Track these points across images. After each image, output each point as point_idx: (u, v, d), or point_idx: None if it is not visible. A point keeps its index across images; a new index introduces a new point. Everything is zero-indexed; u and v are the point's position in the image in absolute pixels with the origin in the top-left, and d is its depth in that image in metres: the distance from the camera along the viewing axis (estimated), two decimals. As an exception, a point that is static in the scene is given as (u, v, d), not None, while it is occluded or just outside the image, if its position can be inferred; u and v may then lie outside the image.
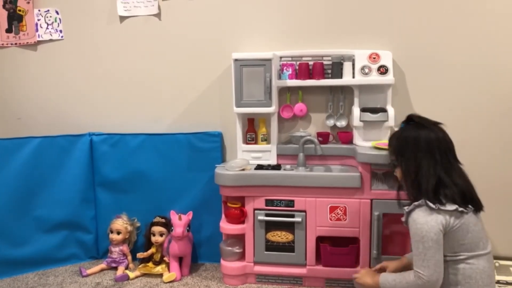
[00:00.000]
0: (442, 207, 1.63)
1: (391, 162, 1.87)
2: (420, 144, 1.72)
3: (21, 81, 2.98)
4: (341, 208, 2.32)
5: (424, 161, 1.71)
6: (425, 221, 1.62)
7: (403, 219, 1.76)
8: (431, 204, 1.63)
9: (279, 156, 2.60)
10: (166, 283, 2.50)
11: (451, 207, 1.63)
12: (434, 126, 1.78)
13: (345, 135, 2.59)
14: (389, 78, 2.47)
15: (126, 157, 2.78)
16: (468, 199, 1.69)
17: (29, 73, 2.97)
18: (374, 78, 2.48)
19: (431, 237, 1.60)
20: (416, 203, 1.68)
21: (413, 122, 1.81)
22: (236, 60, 2.46)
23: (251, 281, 2.47)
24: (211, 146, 2.72)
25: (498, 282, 2.40)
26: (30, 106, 2.99)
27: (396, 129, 1.88)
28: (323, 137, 2.61)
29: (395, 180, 2.14)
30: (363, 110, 2.48)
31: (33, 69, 2.96)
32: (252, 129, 2.64)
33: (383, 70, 2.47)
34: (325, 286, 2.40)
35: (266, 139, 2.62)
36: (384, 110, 2.46)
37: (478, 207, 1.70)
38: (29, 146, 2.67)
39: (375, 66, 2.48)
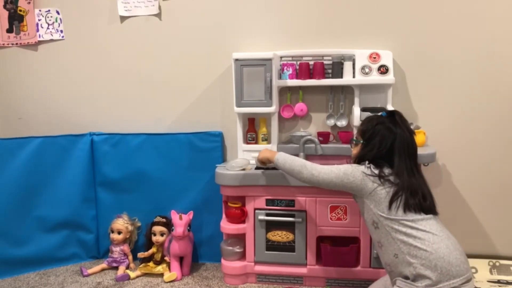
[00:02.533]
0: (382, 173, 1.79)
1: (355, 140, 1.97)
2: (389, 138, 1.82)
3: (22, 81, 2.98)
4: (342, 208, 2.33)
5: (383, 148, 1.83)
6: (363, 169, 1.83)
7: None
8: (373, 168, 1.81)
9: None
10: (167, 282, 2.50)
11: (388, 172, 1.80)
12: (410, 130, 1.87)
13: (346, 135, 2.59)
14: (389, 78, 2.47)
15: (126, 157, 2.78)
16: (419, 197, 1.75)
17: (30, 73, 2.97)
18: (375, 78, 2.48)
19: (357, 173, 1.82)
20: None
21: (393, 117, 1.87)
22: (236, 60, 2.46)
23: (251, 281, 2.48)
24: (211, 146, 2.72)
25: (498, 281, 2.41)
26: (31, 106, 3.00)
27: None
28: (324, 137, 2.61)
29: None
30: (364, 109, 2.48)
31: (34, 69, 2.96)
32: (252, 128, 2.64)
33: (383, 69, 2.47)
34: (326, 286, 2.40)
35: (267, 139, 2.62)
36: (384, 109, 2.45)
37: (423, 209, 1.75)
38: (30, 146, 2.67)
39: (375, 66, 2.49)
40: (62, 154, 2.75)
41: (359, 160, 1.91)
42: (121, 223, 2.70)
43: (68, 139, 2.77)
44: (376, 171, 1.80)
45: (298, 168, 1.98)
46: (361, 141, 1.91)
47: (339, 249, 2.35)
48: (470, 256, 2.49)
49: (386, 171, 1.80)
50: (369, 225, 1.86)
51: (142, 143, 2.78)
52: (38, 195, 2.70)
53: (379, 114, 1.94)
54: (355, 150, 1.97)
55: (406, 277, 1.70)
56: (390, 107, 2.48)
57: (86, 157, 2.79)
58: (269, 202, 2.38)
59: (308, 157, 2.53)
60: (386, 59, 2.49)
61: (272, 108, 2.49)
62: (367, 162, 1.86)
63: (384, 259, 1.83)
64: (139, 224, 2.80)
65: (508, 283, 2.39)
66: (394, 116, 1.87)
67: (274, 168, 2.39)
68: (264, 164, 2.26)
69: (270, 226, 2.40)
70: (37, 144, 2.69)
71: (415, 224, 1.71)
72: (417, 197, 1.75)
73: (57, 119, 2.95)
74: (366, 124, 1.92)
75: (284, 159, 2.06)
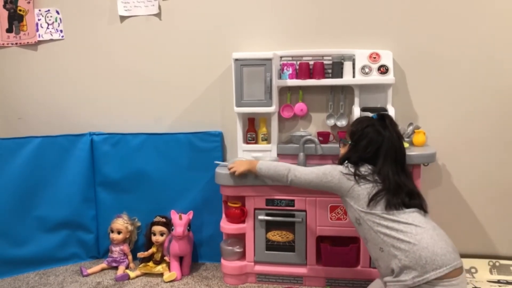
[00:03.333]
0: (357, 172, 1.85)
1: (343, 140, 2.02)
2: (377, 142, 1.86)
3: (22, 81, 2.98)
4: (342, 208, 2.32)
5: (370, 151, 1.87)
6: (341, 169, 1.89)
7: None
8: (350, 167, 1.87)
9: (279, 155, 2.60)
10: (167, 282, 2.50)
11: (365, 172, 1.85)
12: (399, 135, 1.91)
13: (345, 135, 2.59)
14: (389, 78, 2.47)
15: (126, 157, 2.78)
16: (402, 196, 1.78)
17: (30, 73, 2.97)
18: (375, 78, 2.48)
19: (335, 172, 1.88)
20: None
21: (383, 121, 1.91)
22: (236, 60, 2.46)
23: (251, 281, 2.48)
24: (211, 146, 2.72)
25: (498, 281, 2.41)
26: (31, 106, 2.99)
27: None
28: (324, 137, 2.61)
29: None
30: (364, 109, 2.48)
31: (33, 69, 2.96)
32: (252, 128, 2.64)
33: (383, 69, 2.47)
34: (326, 286, 2.40)
35: (267, 139, 2.62)
36: (384, 109, 2.45)
37: (406, 206, 1.78)
38: (30, 145, 2.67)
39: (375, 66, 2.48)
40: (62, 154, 2.75)
41: (343, 160, 1.95)
42: (121, 223, 2.70)
43: (68, 139, 2.77)
44: (352, 170, 1.86)
45: (283, 172, 2.05)
46: (349, 142, 1.95)
47: (339, 249, 2.35)
48: (470, 256, 2.51)
49: (363, 169, 1.85)
50: (354, 223, 1.90)
51: (142, 143, 2.78)
52: (38, 195, 2.69)
53: (370, 116, 1.98)
54: (342, 150, 2.02)
55: (393, 271, 1.71)
56: (390, 107, 2.48)
57: (86, 157, 2.79)
58: (269, 202, 2.38)
59: (308, 157, 2.54)
60: (386, 59, 2.49)
61: (272, 108, 2.49)
62: (346, 162, 1.91)
63: (372, 254, 1.86)
64: (139, 224, 2.80)
65: (508, 283, 2.39)
66: (385, 120, 1.90)
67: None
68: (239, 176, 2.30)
69: (270, 226, 2.40)
70: (37, 144, 2.69)
71: (395, 217, 1.73)
72: (399, 196, 1.77)
73: (57, 119, 2.95)
74: (356, 125, 1.96)
75: (268, 166, 2.13)
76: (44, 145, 2.70)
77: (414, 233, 1.68)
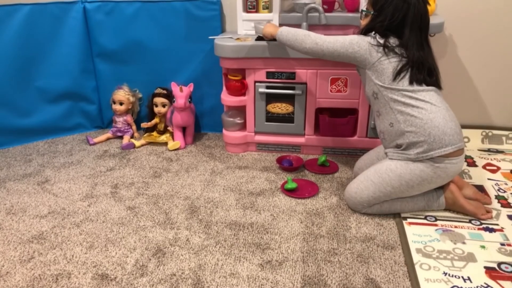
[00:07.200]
0: (387, 43, 1.77)
1: (365, 10, 1.88)
2: (402, 9, 1.75)
3: None
4: (342, 80, 2.31)
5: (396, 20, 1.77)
6: (369, 40, 1.80)
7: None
8: (379, 38, 1.78)
9: (280, 25, 2.49)
10: (171, 151, 2.61)
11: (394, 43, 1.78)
12: (425, 0, 1.80)
13: (352, 3, 2.45)
14: None
15: (122, 26, 2.66)
16: (424, 72, 1.76)
17: None
18: None
19: (363, 43, 1.80)
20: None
21: None
22: None
23: (252, 150, 2.58)
24: (209, 15, 2.58)
25: (488, 150, 2.51)
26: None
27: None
28: (329, 5, 2.47)
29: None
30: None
31: None
32: (253, -5, 2.49)
33: None
34: (322, 154, 2.50)
35: (268, 7, 2.48)
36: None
37: (426, 84, 1.78)
38: (20, 14, 2.53)
39: None
40: (55, 24, 2.63)
41: (367, 31, 1.86)
42: (122, 94, 2.71)
43: (59, 7, 2.62)
44: (382, 41, 1.78)
45: (301, 37, 1.93)
46: (372, 12, 1.84)
47: (336, 120, 2.40)
48: (464, 126, 2.57)
49: (392, 41, 1.78)
50: (370, 96, 1.89)
51: (137, 11, 2.63)
52: (36, 66, 2.65)
53: None
54: (364, 22, 1.90)
55: (399, 146, 1.79)
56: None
57: (80, 26, 2.67)
58: (269, 74, 2.36)
59: (311, 27, 2.44)
60: None
61: (274, -27, 2.31)
62: (373, 32, 1.82)
63: (380, 127, 1.90)
64: (140, 95, 2.82)
65: (498, 151, 2.49)
66: None
67: (275, 39, 2.31)
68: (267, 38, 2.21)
69: (270, 98, 2.41)
70: (27, 12, 2.54)
71: (414, 94, 1.74)
72: (423, 72, 1.76)
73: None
74: None
75: (288, 30, 2.01)
76: (34, 14, 2.56)
77: (429, 111, 1.72)
